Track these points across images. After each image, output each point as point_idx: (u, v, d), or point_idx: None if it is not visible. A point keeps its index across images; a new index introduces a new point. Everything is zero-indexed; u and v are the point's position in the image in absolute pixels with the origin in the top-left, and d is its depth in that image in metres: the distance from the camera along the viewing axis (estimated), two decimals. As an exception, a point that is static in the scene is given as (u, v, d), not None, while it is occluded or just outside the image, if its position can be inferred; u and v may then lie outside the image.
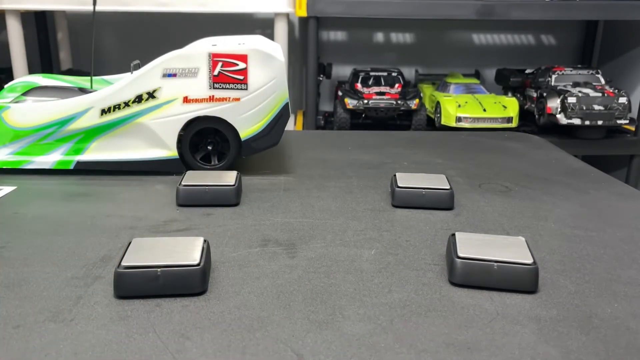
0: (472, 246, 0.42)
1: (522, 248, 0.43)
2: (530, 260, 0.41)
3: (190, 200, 0.57)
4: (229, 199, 0.58)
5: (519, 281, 0.41)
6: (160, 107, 0.64)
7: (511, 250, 0.42)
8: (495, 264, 0.41)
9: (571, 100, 1.40)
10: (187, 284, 0.39)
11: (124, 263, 0.39)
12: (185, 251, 0.41)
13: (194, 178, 0.59)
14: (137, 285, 0.39)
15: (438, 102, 1.50)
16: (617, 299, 0.40)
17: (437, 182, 0.59)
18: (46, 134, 0.66)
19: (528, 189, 0.65)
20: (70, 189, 0.62)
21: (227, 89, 0.64)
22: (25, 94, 0.71)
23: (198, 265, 0.40)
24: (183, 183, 0.58)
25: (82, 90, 0.73)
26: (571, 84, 1.50)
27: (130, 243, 0.42)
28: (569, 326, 0.37)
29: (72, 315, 0.37)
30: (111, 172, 0.67)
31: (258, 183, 0.65)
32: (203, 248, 0.42)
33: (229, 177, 0.59)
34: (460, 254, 0.42)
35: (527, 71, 1.67)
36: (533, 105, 1.55)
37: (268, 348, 0.34)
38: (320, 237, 0.51)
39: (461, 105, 1.46)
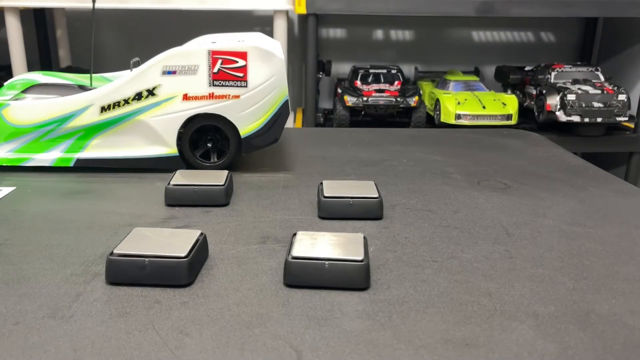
0: (307, 245, 0.42)
1: (358, 245, 0.42)
2: (360, 257, 0.41)
3: (178, 200, 0.57)
4: (219, 199, 0.57)
5: (350, 278, 0.40)
6: (160, 105, 0.64)
7: (346, 248, 0.42)
8: (327, 262, 0.40)
9: (570, 97, 1.41)
10: (173, 275, 0.40)
11: (116, 251, 0.41)
12: (178, 243, 0.42)
13: (183, 177, 0.59)
14: (126, 273, 0.40)
15: (437, 100, 1.51)
16: (615, 296, 0.41)
17: (366, 190, 0.56)
18: (46, 131, 0.66)
19: (527, 186, 0.65)
20: (70, 187, 0.63)
21: (227, 86, 0.64)
22: (24, 91, 0.71)
23: (185, 257, 0.40)
24: (172, 182, 0.57)
25: (82, 88, 0.73)
26: (571, 81, 1.50)
27: (130, 232, 0.44)
28: (567, 322, 0.37)
29: (72, 312, 0.37)
30: (111, 170, 0.67)
31: (257, 180, 0.66)
32: (197, 240, 0.42)
33: (220, 177, 0.59)
34: (295, 254, 0.41)
35: (527, 68, 1.67)
36: (532, 103, 1.55)
37: (267, 344, 0.34)
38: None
39: (460, 103, 1.46)
